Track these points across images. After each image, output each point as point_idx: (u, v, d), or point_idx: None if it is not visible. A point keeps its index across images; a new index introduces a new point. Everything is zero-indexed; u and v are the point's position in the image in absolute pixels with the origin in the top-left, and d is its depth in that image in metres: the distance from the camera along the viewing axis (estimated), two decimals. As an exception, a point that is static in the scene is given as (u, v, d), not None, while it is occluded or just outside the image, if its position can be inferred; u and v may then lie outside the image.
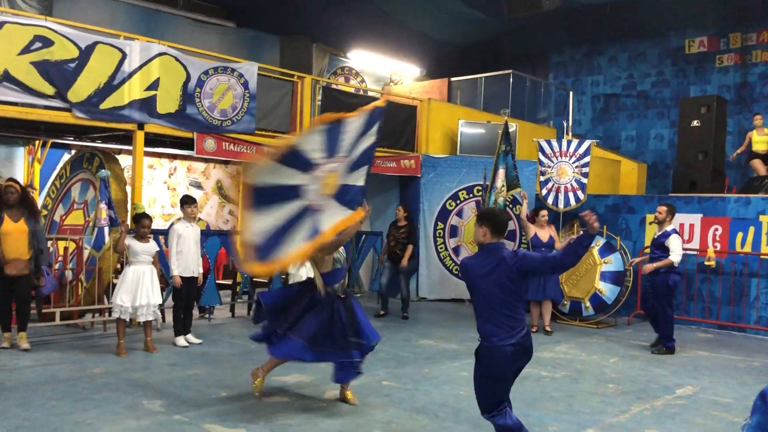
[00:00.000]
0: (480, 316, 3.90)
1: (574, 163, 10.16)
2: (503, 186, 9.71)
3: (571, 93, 15.62)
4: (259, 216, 4.81)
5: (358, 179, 5.35)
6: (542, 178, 10.35)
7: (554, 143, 10.40)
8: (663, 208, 7.94)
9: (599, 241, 9.89)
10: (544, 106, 15.08)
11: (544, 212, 9.20)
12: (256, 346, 6.72)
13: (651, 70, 15.74)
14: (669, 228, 7.85)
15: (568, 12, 14.93)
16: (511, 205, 10.37)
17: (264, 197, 4.83)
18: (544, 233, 9.05)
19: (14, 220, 6.58)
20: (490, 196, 9.74)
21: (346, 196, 5.24)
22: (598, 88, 16.58)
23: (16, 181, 6.91)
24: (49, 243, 8.54)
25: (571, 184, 10.16)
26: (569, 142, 10.35)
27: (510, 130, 10.12)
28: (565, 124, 13.28)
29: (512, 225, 10.61)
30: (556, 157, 10.27)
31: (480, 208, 10.87)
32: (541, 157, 10.36)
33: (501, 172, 9.74)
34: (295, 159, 4.93)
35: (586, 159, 10.16)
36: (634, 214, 10.68)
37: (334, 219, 5.11)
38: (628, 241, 10.47)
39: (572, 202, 10.16)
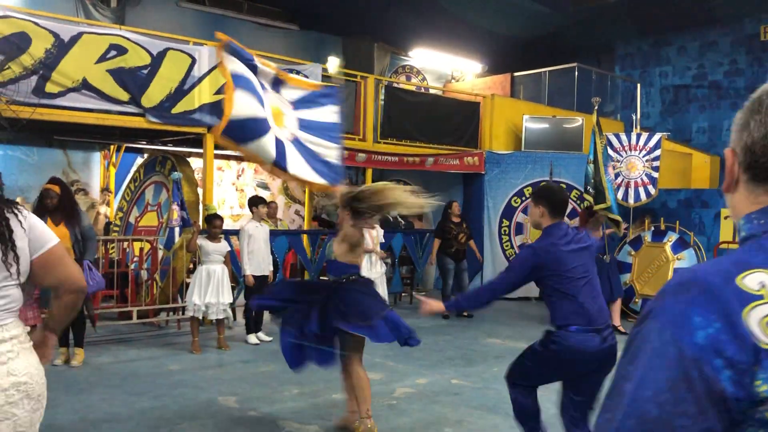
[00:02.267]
0: (578, 297, 3.42)
1: (644, 156, 9.88)
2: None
3: (638, 85, 15.20)
4: (238, 95, 4.77)
5: (326, 152, 5.33)
6: (612, 173, 10.10)
7: (623, 137, 10.13)
8: None
9: (672, 237, 9.59)
10: (611, 99, 14.72)
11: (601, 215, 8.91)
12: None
13: (723, 59, 15.15)
14: None
15: (634, 1, 14.52)
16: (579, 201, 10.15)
17: (240, 82, 4.82)
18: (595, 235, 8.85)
19: (56, 223, 6.18)
20: (610, 194, 8.92)
21: (310, 159, 5.19)
22: (667, 80, 16.07)
23: (58, 182, 6.45)
24: (125, 244, 8.89)
25: (642, 179, 9.88)
26: (639, 136, 10.07)
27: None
28: (633, 117, 12.93)
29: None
30: (626, 151, 10.01)
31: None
32: (610, 152, 10.11)
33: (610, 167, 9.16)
34: (252, 69, 4.98)
35: (657, 152, 9.86)
36: (708, 208, 10.31)
37: (300, 171, 5.10)
38: (702, 237, 10.11)
39: (643, 197, 9.88)
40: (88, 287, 6.59)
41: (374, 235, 8.62)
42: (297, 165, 5.07)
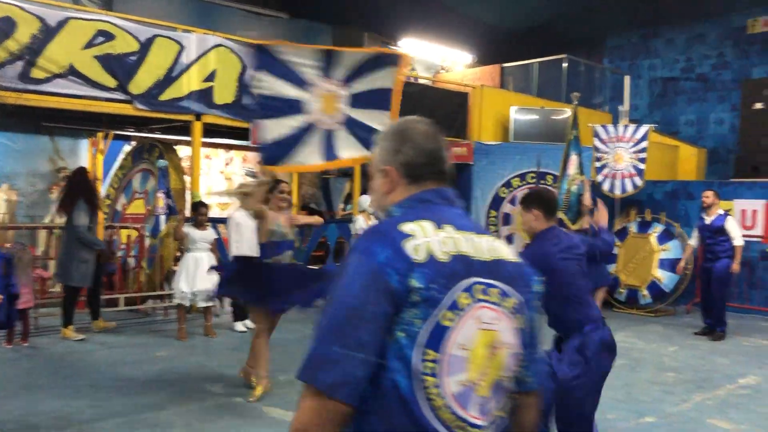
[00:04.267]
0: (584, 301, 3.40)
1: (631, 148, 9.95)
2: (577, 173, 9.35)
3: (627, 77, 15.23)
4: (270, 123, 5.04)
5: (372, 120, 5.44)
6: (598, 164, 10.17)
7: (610, 128, 10.19)
8: (710, 193, 8.02)
9: (657, 228, 9.68)
10: (599, 90, 14.77)
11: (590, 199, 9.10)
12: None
13: (711, 52, 15.22)
14: (721, 212, 7.87)
15: (623, -7, 14.58)
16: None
17: (269, 108, 5.08)
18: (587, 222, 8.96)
19: None
20: (562, 184, 9.27)
21: (358, 131, 5.32)
22: (655, 72, 16.13)
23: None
24: (113, 231, 8.87)
25: (629, 170, 9.95)
26: (626, 127, 10.14)
27: (563, 116, 9.96)
28: (621, 109, 12.98)
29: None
30: (613, 143, 10.07)
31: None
32: (597, 143, 10.17)
33: (574, 158, 9.36)
34: (286, 72, 5.17)
35: (644, 144, 9.93)
36: (693, 200, 10.40)
37: (351, 151, 5.24)
38: (688, 228, 10.18)
39: (629, 188, 9.96)
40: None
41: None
42: (348, 149, 5.26)
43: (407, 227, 1.40)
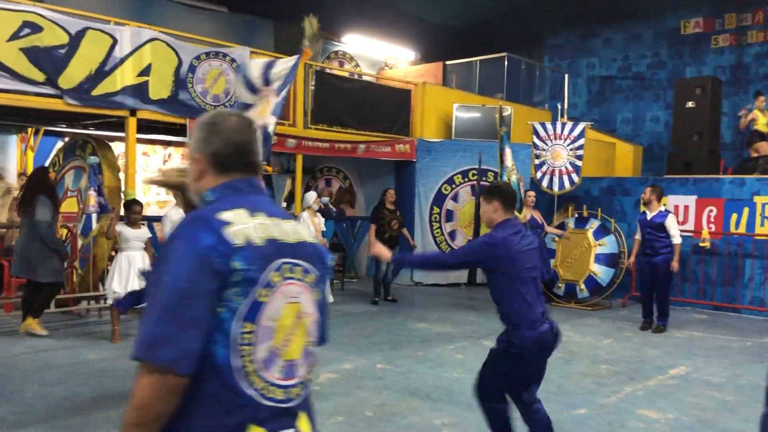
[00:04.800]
0: (530, 299, 3.57)
1: (568, 145, 10.15)
2: (513, 165, 9.72)
3: (566, 75, 15.56)
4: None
5: (273, 129, 5.86)
6: (537, 161, 10.34)
7: (549, 126, 10.37)
8: (648, 189, 8.19)
9: (594, 224, 9.90)
10: (539, 89, 15.02)
11: (531, 193, 9.43)
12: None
13: (647, 52, 15.67)
14: (662, 209, 8.04)
15: (563, -7, 14.85)
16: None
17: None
18: (526, 214, 9.21)
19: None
20: (502, 176, 9.65)
21: (264, 140, 5.53)
22: (593, 71, 16.51)
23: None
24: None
25: (566, 167, 10.15)
26: (563, 125, 10.33)
27: (504, 113, 10.11)
28: (560, 107, 13.24)
29: None
30: (551, 140, 10.25)
31: (474, 193, 10.88)
32: (536, 140, 10.34)
33: (508, 151, 9.72)
34: (247, 80, 5.71)
35: (581, 141, 10.14)
36: (629, 196, 10.68)
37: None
38: (623, 224, 10.47)
39: (567, 185, 10.15)
40: None
41: (317, 223, 8.61)
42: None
43: (225, 215, 1.58)
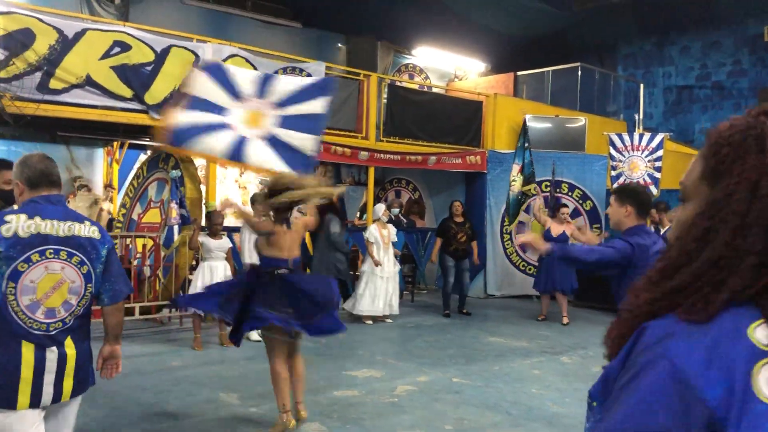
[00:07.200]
0: None
1: (646, 157, 9.90)
2: (513, 181, 9.86)
3: (641, 85, 15.19)
4: (185, 113, 5.08)
5: (299, 142, 5.41)
6: (613, 173, 10.12)
7: (625, 137, 10.15)
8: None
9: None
10: (613, 99, 14.71)
11: (565, 209, 9.30)
12: (328, 341, 6.84)
13: (726, 60, 15.14)
14: None
15: (637, 1, 14.52)
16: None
17: (194, 106, 5.15)
18: (558, 228, 8.88)
19: None
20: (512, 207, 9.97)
21: (280, 149, 5.32)
22: (670, 80, 16.06)
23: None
24: (128, 240, 8.92)
25: (644, 179, 9.90)
26: (641, 136, 10.09)
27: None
28: (636, 118, 12.94)
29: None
30: (628, 151, 10.03)
31: (548, 204, 10.73)
32: (612, 152, 10.13)
33: (515, 167, 9.88)
34: (226, 81, 5.36)
35: (659, 153, 9.89)
36: (710, 209, 10.31)
37: (262, 161, 5.23)
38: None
39: (645, 197, 9.89)
40: None
41: (385, 234, 8.67)
42: (259, 156, 5.18)
43: (8, 217, 2.57)
